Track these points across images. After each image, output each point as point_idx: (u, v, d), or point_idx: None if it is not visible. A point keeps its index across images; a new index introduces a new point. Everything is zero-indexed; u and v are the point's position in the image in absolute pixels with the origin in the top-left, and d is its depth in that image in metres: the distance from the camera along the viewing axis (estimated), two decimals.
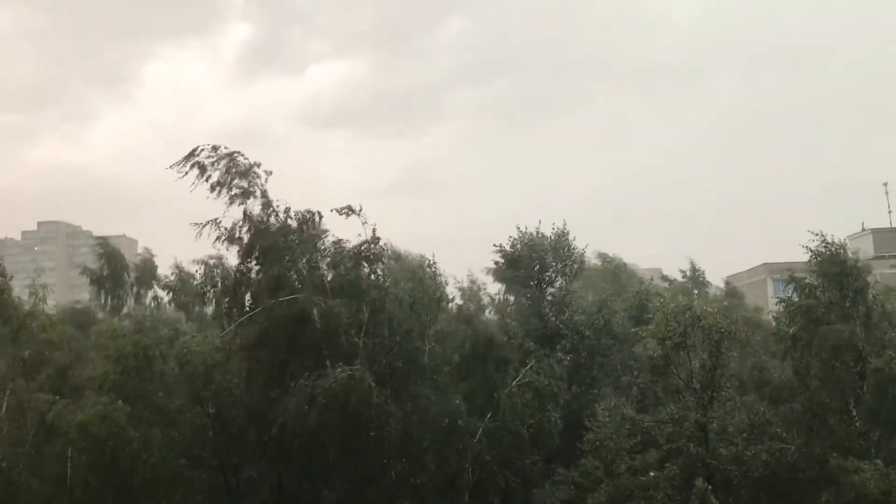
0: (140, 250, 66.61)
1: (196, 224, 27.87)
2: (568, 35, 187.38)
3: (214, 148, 28.17)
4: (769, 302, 52.50)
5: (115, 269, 62.27)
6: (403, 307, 28.47)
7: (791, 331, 29.75)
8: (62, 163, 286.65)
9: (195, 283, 37.73)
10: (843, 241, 31.30)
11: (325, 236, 29.16)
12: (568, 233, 39.72)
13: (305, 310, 27.12)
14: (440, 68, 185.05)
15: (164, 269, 59.01)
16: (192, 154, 27.96)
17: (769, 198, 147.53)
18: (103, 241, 65.39)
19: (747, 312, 43.00)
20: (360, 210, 28.27)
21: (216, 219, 27.89)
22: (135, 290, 62.15)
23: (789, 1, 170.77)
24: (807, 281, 30.71)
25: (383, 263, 29.52)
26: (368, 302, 28.10)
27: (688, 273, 63.13)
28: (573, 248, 39.79)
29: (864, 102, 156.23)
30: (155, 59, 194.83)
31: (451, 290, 35.78)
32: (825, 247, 30.38)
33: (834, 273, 29.92)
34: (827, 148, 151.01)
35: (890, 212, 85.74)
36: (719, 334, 29.21)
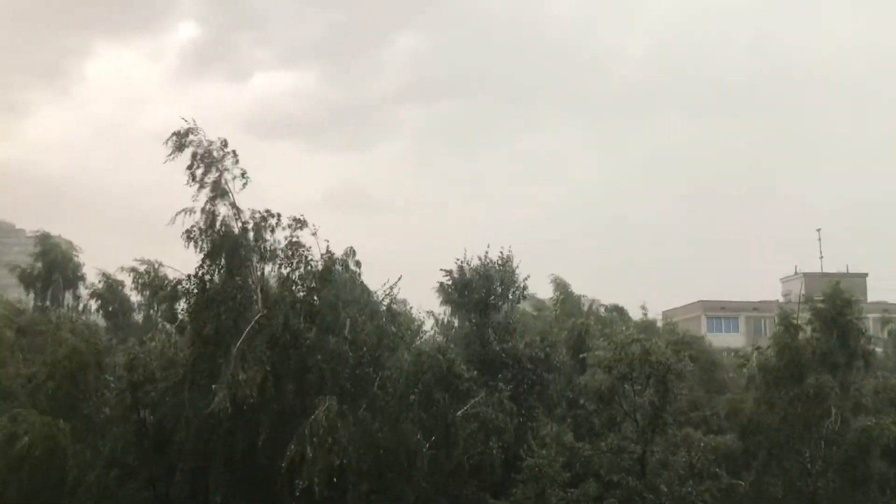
0: (76, 251, 64.78)
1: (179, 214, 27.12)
2: (519, 61, 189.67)
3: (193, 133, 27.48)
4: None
5: (49, 268, 60.67)
6: (359, 331, 27.96)
7: (780, 364, 29.80)
8: None
9: (126, 289, 36.73)
10: (839, 283, 31.40)
11: (278, 246, 28.50)
12: (512, 259, 39.93)
13: (259, 324, 26.52)
14: (389, 85, 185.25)
15: (95, 273, 57.17)
16: (181, 134, 27.28)
17: (706, 236, 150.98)
18: (41, 238, 63.62)
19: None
20: (306, 223, 27.99)
21: (191, 209, 27.21)
22: (69, 292, 60.61)
23: (736, 44, 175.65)
24: (795, 320, 30.69)
25: (334, 282, 28.80)
26: (321, 321, 27.65)
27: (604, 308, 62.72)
28: (517, 275, 40.04)
29: (804, 148, 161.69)
30: (96, 55, 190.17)
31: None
32: (829, 287, 30.42)
33: (830, 316, 30.01)
34: (765, 191, 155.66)
35: (822, 257, 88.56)
36: (666, 369, 29.20)
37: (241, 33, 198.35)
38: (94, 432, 27.27)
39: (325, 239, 28.40)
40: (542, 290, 58.26)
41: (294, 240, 28.32)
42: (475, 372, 32.09)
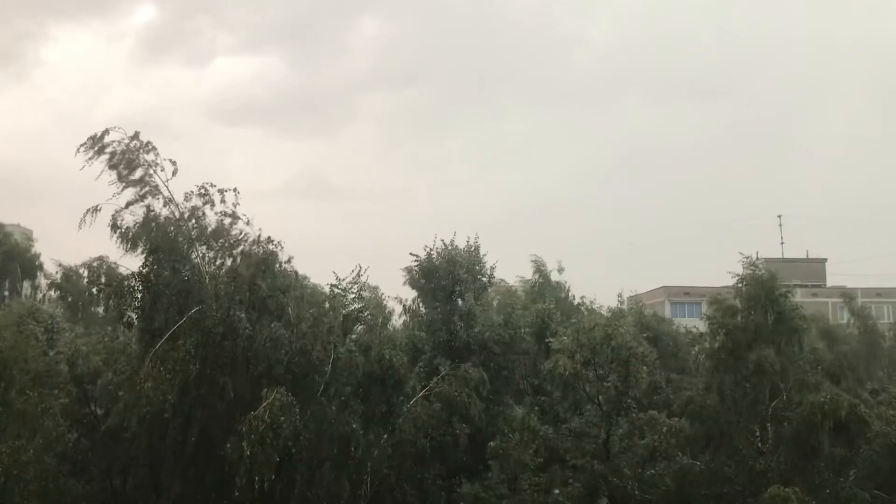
0: (33, 241, 63.81)
1: (91, 211, 26.31)
2: (484, 47, 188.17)
3: (114, 132, 26.81)
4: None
5: (5, 258, 59.59)
6: (306, 320, 27.35)
7: (715, 346, 30.13)
8: None
9: (84, 281, 35.95)
10: (764, 265, 31.86)
11: (215, 229, 27.73)
12: (479, 246, 39.78)
13: (208, 318, 25.86)
14: (353, 70, 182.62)
15: (53, 263, 56.12)
16: (98, 137, 26.61)
17: (672, 222, 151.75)
18: None
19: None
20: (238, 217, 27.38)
21: (97, 206, 26.42)
22: (28, 282, 59.59)
23: (700, 32, 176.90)
24: (729, 303, 31.09)
25: (281, 270, 27.99)
26: (266, 311, 26.89)
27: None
28: (484, 262, 39.91)
29: (770, 135, 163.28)
30: (53, 38, 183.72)
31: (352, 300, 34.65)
32: (752, 270, 30.90)
33: (758, 296, 30.25)
34: (730, 178, 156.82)
35: (782, 243, 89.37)
36: (627, 353, 29.23)
37: (199, 17, 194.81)
38: (30, 427, 26.39)
39: (259, 228, 27.64)
40: (525, 271, 57.85)
41: (231, 228, 27.72)
42: (428, 356, 31.80)
